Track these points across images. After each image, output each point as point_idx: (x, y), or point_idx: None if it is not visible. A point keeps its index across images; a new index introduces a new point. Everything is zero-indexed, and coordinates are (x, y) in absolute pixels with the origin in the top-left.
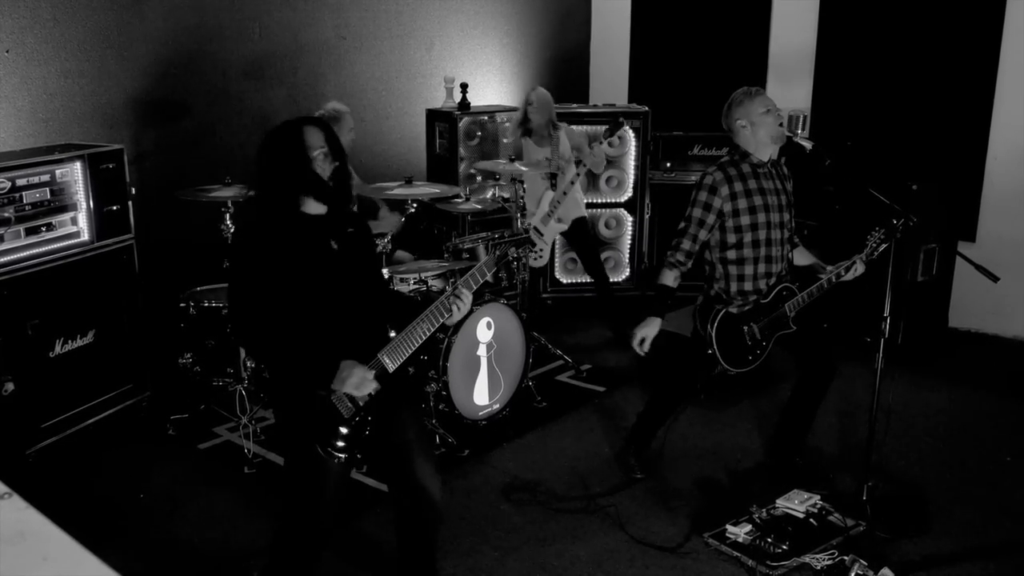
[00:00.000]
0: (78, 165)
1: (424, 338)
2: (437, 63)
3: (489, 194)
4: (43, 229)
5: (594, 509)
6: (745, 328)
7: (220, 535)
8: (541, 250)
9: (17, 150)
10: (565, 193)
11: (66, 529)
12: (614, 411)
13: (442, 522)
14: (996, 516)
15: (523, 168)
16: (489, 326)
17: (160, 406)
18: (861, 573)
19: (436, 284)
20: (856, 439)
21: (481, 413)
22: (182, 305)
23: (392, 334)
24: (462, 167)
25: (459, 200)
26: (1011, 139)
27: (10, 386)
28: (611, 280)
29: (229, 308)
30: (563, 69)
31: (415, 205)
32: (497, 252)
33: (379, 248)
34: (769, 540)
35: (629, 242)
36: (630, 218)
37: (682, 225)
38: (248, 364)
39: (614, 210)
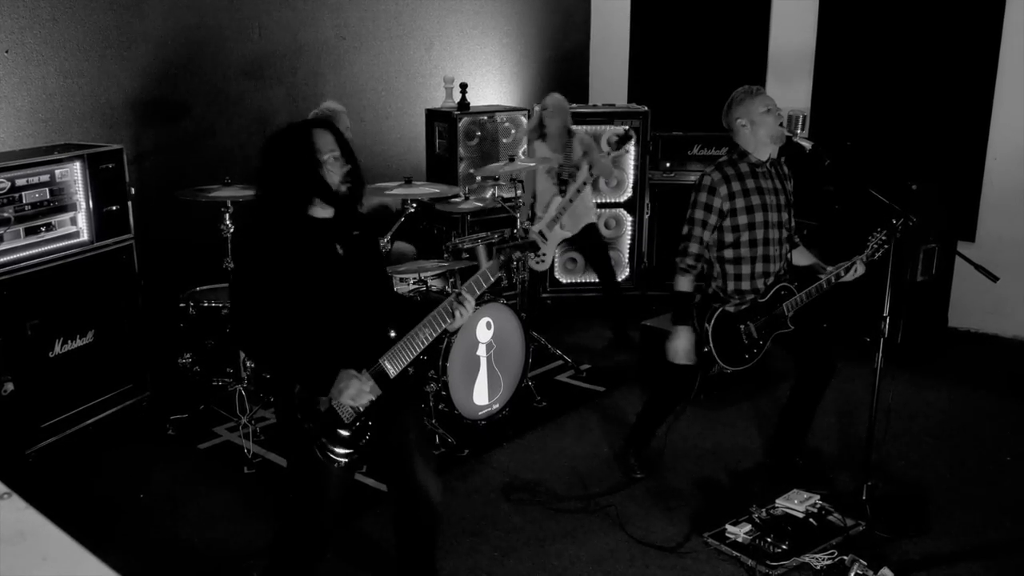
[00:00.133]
0: (78, 165)
1: (426, 343)
2: (437, 63)
3: (489, 194)
4: (43, 229)
5: (594, 509)
6: (742, 327)
7: (220, 535)
8: (544, 255)
9: (17, 150)
10: (572, 201)
11: (66, 529)
12: (614, 411)
13: (441, 523)
14: (996, 516)
15: (529, 163)
16: (489, 326)
17: (160, 406)
18: (861, 573)
19: (436, 284)
20: (856, 439)
21: (481, 413)
22: (182, 305)
23: (392, 334)
24: (462, 167)
25: (459, 200)
26: (1011, 139)
27: (10, 386)
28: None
29: (231, 312)
30: (563, 69)
31: (415, 205)
32: (502, 257)
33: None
34: (769, 540)
35: (629, 242)
36: (630, 218)
37: (685, 230)
38: (248, 364)
39: (614, 210)
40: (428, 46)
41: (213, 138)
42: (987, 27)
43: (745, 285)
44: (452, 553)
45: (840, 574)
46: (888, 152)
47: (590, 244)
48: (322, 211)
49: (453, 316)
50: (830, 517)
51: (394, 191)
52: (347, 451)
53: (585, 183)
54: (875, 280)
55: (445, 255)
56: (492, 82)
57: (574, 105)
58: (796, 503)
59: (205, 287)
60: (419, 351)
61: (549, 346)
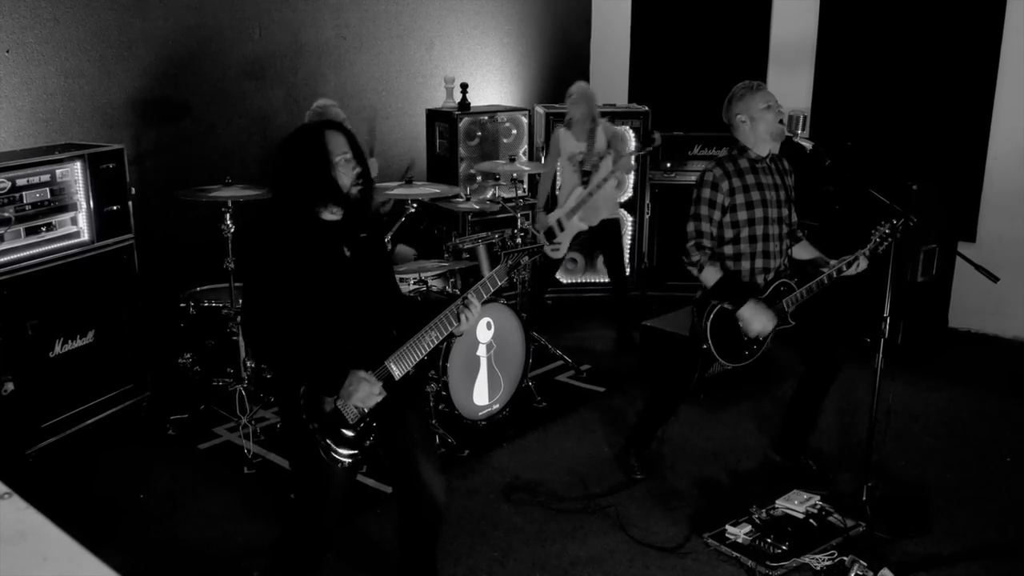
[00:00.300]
0: (78, 165)
1: (432, 346)
2: (437, 63)
3: (489, 194)
4: (43, 229)
5: (594, 509)
6: (741, 323)
7: (220, 535)
8: (560, 243)
9: (17, 150)
10: (591, 194)
11: (66, 529)
12: (614, 411)
13: (443, 522)
14: (996, 516)
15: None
16: (489, 326)
17: (160, 406)
18: (861, 573)
19: (436, 284)
20: (856, 439)
21: (481, 413)
22: (182, 305)
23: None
24: (462, 167)
25: (459, 200)
26: (1011, 139)
27: (10, 386)
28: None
29: (242, 311)
30: (563, 69)
31: (415, 205)
32: (509, 261)
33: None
34: (769, 540)
35: (629, 242)
36: (630, 218)
37: (691, 226)
38: (248, 364)
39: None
40: (429, 46)
41: (214, 138)
42: (987, 27)
43: (745, 281)
44: (452, 553)
45: (840, 575)
46: (888, 152)
47: (607, 240)
48: (330, 213)
49: (459, 320)
50: (830, 518)
51: (394, 191)
52: (351, 452)
53: (607, 178)
54: (875, 281)
55: (445, 255)
56: (493, 82)
57: None
58: (796, 504)
59: (205, 287)
60: (424, 354)
61: (549, 346)
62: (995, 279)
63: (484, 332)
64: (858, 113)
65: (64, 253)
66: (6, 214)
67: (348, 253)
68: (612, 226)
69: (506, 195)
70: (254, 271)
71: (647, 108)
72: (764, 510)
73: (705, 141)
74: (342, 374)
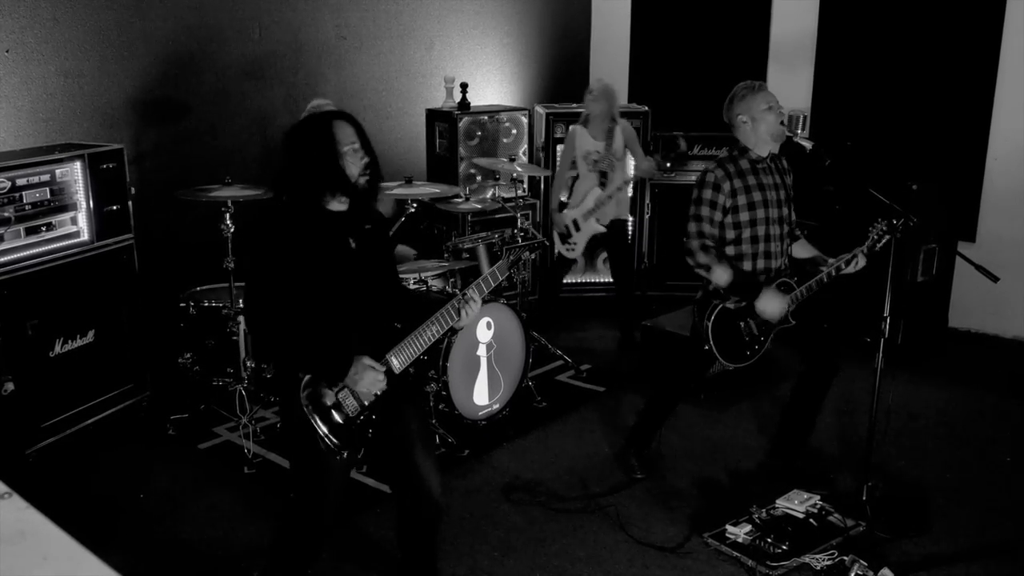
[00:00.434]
0: (78, 165)
1: (432, 340)
2: (437, 63)
3: (489, 194)
4: (43, 229)
5: (594, 509)
6: (742, 324)
7: (220, 535)
8: (575, 243)
9: (17, 150)
10: (610, 197)
11: (66, 529)
12: (614, 411)
13: (442, 518)
14: (996, 516)
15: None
16: (489, 326)
17: (160, 406)
18: (861, 573)
19: (436, 284)
20: (856, 439)
21: (481, 413)
22: (182, 305)
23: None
24: (462, 167)
25: (459, 200)
26: (1011, 139)
27: (10, 386)
28: (612, 280)
29: (245, 301)
30: (563, 69)
31: (415, 205)
32: (511, 257)
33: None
34: (769, 540)
35: (629, 242)
36: (630, 218)
37: (693, 227)
38: (248, 364)
39: None
40: (429, 46)
41: (213, 138)
42: (987, 27)
43: None
44: (452, 553)
45: (840, 574)
46: (888, 152)
47: (613, 240)
48: (337, 204)
49: (460, 315)
50: (830, 517)
51: (394, 191)
52: (350, 443)
53: (628, 181)
54: (875, 281)
55: (445, 255)
56: (493, 82)
57: (574, 105)
58: (796, 503)
59: (205, 287)
60: (424, 348)
61: (549, 346)
62: (995, 279)
63: (484, 332)
64: (858, 113)
65: (64, 253)
66: (6, 214)
67: (353, 244)
68: (619, 226)
69: (506, 195)
70: (260, 260)
71: (647, 108)
72: (764, 510)
73: (705, 141)
74: (346, 363)
